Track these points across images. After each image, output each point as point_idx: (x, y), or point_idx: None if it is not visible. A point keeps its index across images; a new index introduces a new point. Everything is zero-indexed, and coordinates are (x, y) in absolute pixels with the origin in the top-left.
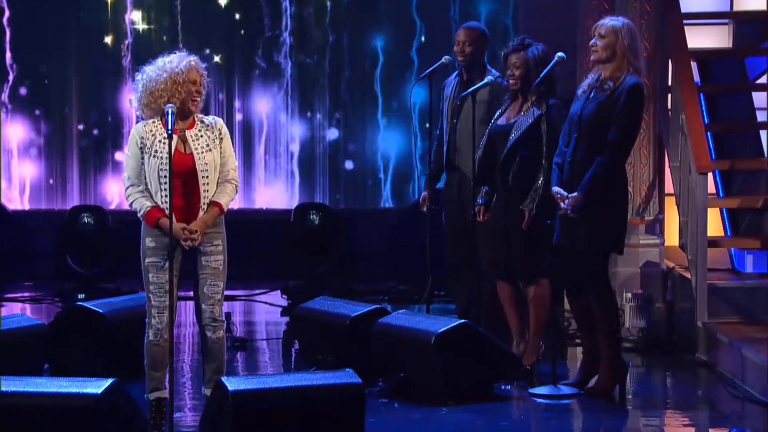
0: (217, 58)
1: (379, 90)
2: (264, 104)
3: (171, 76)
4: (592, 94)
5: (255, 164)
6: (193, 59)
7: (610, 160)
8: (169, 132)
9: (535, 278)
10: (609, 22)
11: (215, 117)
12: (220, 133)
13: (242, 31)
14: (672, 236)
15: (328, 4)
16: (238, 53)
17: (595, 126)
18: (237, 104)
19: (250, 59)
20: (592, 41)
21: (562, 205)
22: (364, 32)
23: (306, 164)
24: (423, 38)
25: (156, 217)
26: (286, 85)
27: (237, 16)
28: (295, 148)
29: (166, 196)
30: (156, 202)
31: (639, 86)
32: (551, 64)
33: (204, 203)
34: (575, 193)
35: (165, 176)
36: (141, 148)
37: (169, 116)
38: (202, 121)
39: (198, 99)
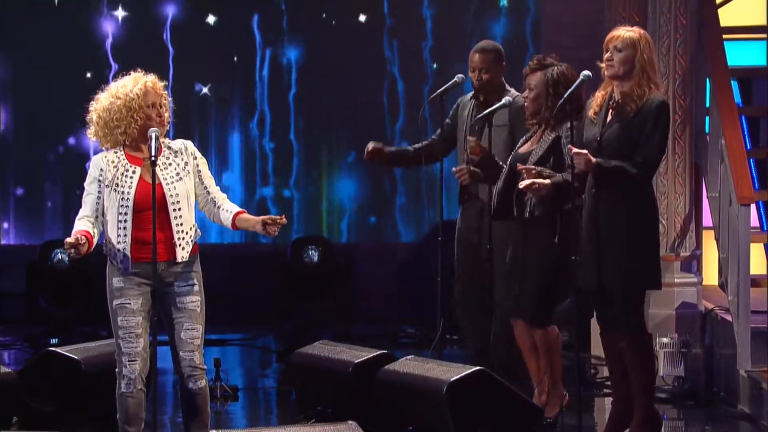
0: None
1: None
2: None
3: (125, 102)
4: (609, 117)
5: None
6: (150, 79)
7: (640, 175)
8: (153, 159)
9: (544, 322)
10: (625, 33)
11: (184, 141)
12: (194, 158)
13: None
14: (710, 274)
15: None
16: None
17: (617, 149)
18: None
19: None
20: (607, 55)
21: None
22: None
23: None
24: (435, 65)
25: (75, 235)
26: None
27: None
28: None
29: (125, 235)
30: (88, 228)
31: (666, 105)
32: (576, 83)
33: (179, 238)
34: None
35: (126, 212)
36: (100, 181)
37: (153, 141)
38: (169, 148)
39: (162, 122)
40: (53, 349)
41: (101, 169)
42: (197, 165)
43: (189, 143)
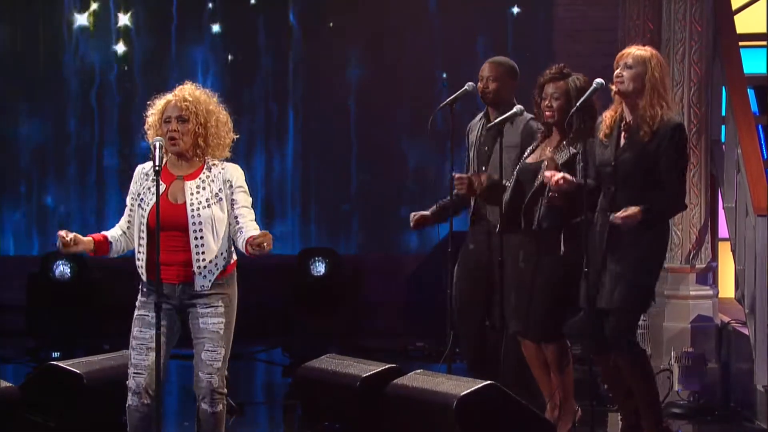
0: None
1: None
2: None
3: (152, 119)
4: (623, 140)
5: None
6: (180, 89)
7: (673, 206)
8: (156, 168)
9: (554, 337)
10: (636, 51)
11: (227, 165)
12: (230, 186)
13: None
14: (727, 287)
15: None
16: None
17: (636, 175)
18: None
19: None
20: (617, 71)
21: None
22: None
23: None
24: (445, 74)
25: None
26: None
27: None
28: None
29: (143, 253)
30: (108, 234)
31: (682, 128)
32: (589, 91)
33: (199, 266)
34: (634, 208)
35: (143, 230)
36: (132, 196)
37: (157, 151)
38: (210, 170)
39: (174, 136)
40: (55, 362)
41: (135, 182)
42: (232, 194)
43: (230, 169)
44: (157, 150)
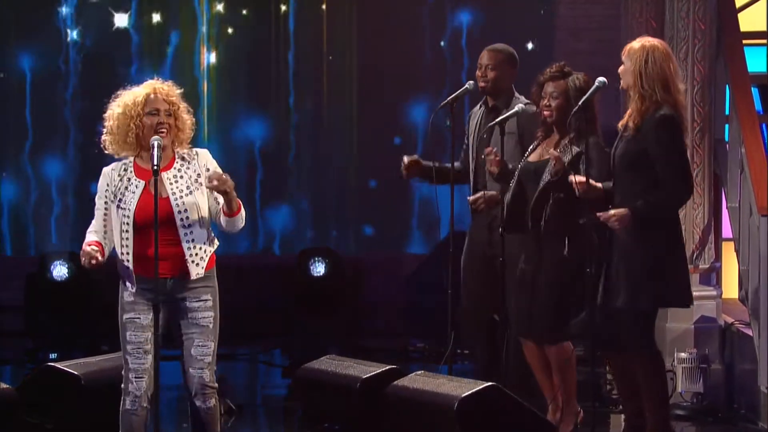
0: None
1: None
2: None
3: (125, 110)
4: (623, 132)
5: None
6: (159, 83)
7: (668, 200)
8: (155, 168)
9: (557, 339)
10: (630, 45)
11: (198, 150)
12: (206, 168)
13: None
14: (731, 287)
15: None
16: None
17: (625, 167)
18: None
19: None
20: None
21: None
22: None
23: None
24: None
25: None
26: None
27: None
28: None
29: (128, 252)
30: (98, 239)
31: (667, 116)
32: (591, 90)
33: (191, 254)
34: (621, 210)
35: (127, 230)
36: (106, 198)
37: (155, 150)
38: (183, 158)
39: (163, 129)
40: (52, 364)
41: (107, 183)
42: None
43: (203, 152)
44: (155, 149)
